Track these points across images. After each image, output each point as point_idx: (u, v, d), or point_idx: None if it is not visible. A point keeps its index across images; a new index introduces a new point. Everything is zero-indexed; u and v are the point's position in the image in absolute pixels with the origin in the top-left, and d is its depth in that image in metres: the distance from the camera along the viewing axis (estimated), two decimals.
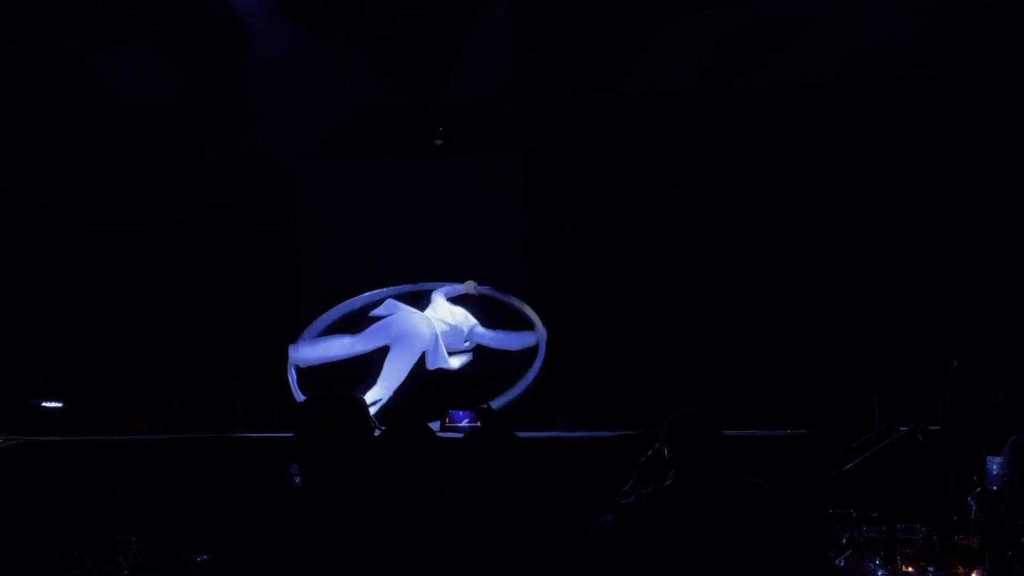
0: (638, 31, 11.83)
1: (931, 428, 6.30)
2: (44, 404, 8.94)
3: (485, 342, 10.12)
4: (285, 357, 10.21)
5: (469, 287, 10.38)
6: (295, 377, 10.13)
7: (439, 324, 9.78)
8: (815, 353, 11.21)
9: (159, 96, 12.19)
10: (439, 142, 13.10)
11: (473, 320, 10.06)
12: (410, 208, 12.61)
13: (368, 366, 9.86)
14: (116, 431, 9.20)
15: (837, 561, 4.15)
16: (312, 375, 10.12)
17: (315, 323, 10.34)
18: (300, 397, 9.96)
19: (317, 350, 10.07)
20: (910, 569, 4.17)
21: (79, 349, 12.38)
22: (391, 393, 9.52)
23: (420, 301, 10.15)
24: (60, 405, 9.01)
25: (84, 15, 11.77)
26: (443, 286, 10.33)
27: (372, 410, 9.11)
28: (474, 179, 12.76)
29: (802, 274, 11.67)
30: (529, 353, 10.34)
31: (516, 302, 10.58)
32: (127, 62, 11.94)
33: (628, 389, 11.41)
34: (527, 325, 10.46)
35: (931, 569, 4.18)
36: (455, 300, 10.25)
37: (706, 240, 12.08)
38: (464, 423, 8.29)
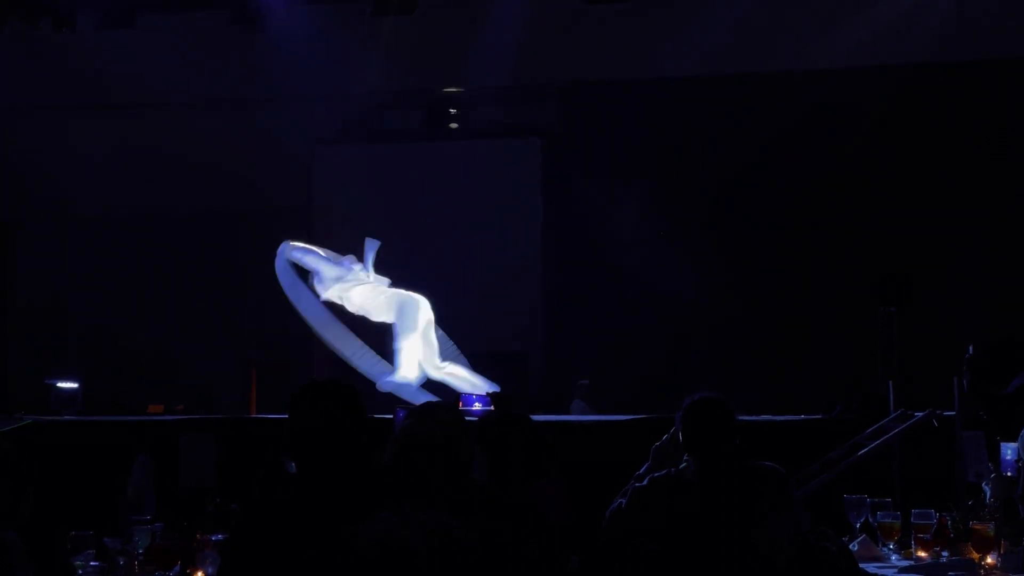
0: (656, 16, 11.80)
1: (946, 414, 6.27)
2: (60, 384, 8.96)
3: None
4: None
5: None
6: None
7: None
8: (830, 339, 11.19)
9: (175, 78, 12.19)
10: (455, 126, 13.09)
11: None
12: (426, 191, 12.60)
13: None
14: (132, 412, 9.23)
15: (852, 545, 4.15)
16: None
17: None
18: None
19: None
20: (924, 554, 4.17)
21: (97, 330, 12.44)
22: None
23: None
24: (76, 386, 9.03)
25: None
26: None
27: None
28: (490, 163, 12.75)
29: (819, 259, 11.64)
30: None
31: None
32: (144, 44, 11.94)
33: (644, 374, 11.39)
34: None
35: (945, 554, 4.18)
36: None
37: (724, 224, 12.05)
38: (477, 407, 8.25)
